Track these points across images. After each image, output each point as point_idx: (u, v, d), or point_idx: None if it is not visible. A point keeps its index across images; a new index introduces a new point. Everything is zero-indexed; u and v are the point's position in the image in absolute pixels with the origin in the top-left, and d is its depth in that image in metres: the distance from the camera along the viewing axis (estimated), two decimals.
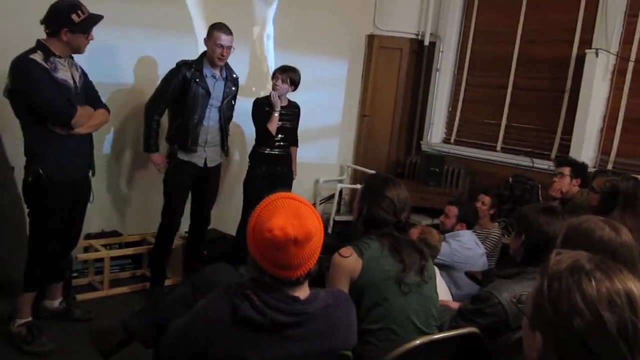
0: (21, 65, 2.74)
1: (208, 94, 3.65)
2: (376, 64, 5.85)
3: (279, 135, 4.13)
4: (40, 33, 2.88)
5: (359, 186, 5.13)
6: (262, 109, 4.06)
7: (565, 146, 4.86)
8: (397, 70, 5.91)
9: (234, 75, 3.84)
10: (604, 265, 0.89)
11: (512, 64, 5.30)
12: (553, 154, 4.97)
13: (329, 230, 5.14)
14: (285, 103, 4.14)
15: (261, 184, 4.06)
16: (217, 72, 3.70)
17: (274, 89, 4.03)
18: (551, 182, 4.04)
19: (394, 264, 2.03)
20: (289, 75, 4.01)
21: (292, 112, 4.20)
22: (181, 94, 3.59)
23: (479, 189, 4.63)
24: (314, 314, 1.55)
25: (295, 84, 4.06)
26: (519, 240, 2.21)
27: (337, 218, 5.39)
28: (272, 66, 4.80)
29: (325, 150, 5.74)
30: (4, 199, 3.24)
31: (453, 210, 3.81)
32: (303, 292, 1.57)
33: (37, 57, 2.78)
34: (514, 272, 2.19)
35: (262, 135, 4.10)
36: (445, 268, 3.40)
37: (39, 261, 2.95)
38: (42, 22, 2.85)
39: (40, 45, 2.84)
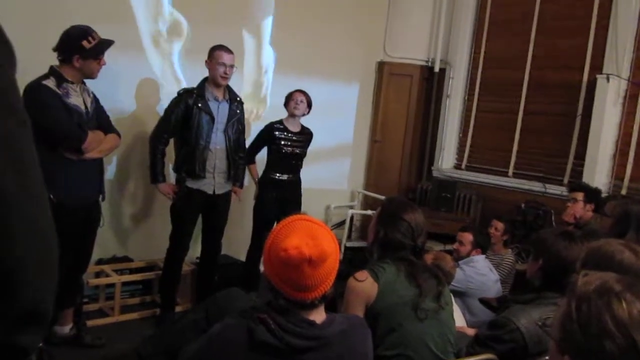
0: (33, 91, 2.77)
1: (212, 118, 3.64)
2: (387, 91, 5.88)
3: (290, 161, 4.14)
4: (55, 60, 2.93)
5: (370, 212, 5.16)
6: (271, 133, 4.07)
7: (577, 171, 4.83)
8: (407, 97, 5.93)
9: (238, 98, 3.84)
10: (634, 287, 0.87)
11: (523, 89, 5.30)
12: (566, 179, 4.93)
13: (340, 257, 5.10)
14: (298, 129, 4.16)
15: (271, 209, 4.05)
16: (219, 95, 3.70)
17: (294, 109, 4.05)
18: (564, 208, 4.00)
19: (410, 289, 2.00)
20: (306, 97, 4.06)
21: (304, 138, 4.22)
22: (185, 122, 3.59)
23: (491, 214, 4.59)
24: (330, 338, 1.52)
25: (310, 106, 4.10)
26: (536, 265, 2.18)
27: (349, 244, 5.36)
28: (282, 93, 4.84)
29: (336, 176, 5.74)
30: None
31: (468, 237, 3.76)
32: (319, 315, 1.55)
33: (50, 83, 2.83)
34: (532, 297, 2.15)
35: (271, 160, 4.11)
36: (459, 294, 3.35)
37: None
38: (54, 50, 2.90)
39: (53, 72, 2.89)
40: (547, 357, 2.00)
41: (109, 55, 3.07)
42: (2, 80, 0.60)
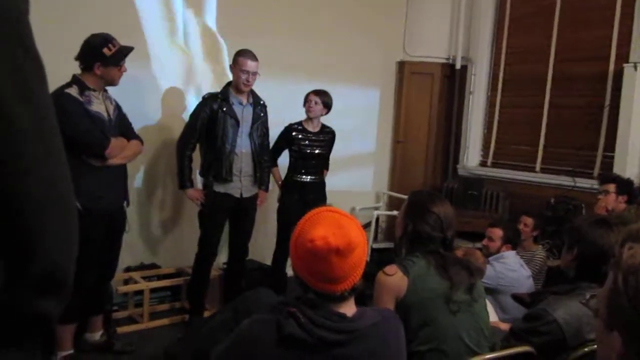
0: (56, 99, 2.78)
1: (237, 122, 3.65)
2: (408, 90, 5.83)
3: (312, 162, 4.11)
4: (77, 68, 2.97)
5: (395, 213, 5.09)
6: (290, 135, 4.06)
7: (608, 163, 4.71)
8: (429, 95, 5.88)
9: (261, 102, 3.84)
10: None
11: (547, 82, 5.21)
12: (596, 171, 4.82)
13: (367, 258, 5.05)
14: (318, 128, 4.13)
15: (295, 211, 4.02)
16: (243, 99, 3.71)
17: (308, 111, 4.03)
18: (596, 201, 3.91)
19: (441, 282, 1.95)
20: (322, 97, 4.01)
21: (326, 137, 4.18)
22: (210, 126, 3.61)
23: (520, 211, 4.50)
24: (362, 332, 1.48)
25: (328, 107, 4.06)
26: (570, 254, 2.11)
27: (375, 245, 5.31)
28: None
29: (360, 177, 5.71)
30: None
31: (497, 233, 3.68)
32: (350, 309, 1.51)
33: (72, 91, 2.87)
34: (568, 288, 2.09)
35: (292, 161, 4.09)
36: (490, 291, 3.27)
37: (76, 292, 2.94)
38: (76, 59, 2.94)
39: (75, 80, 2.93)
40: (586, 350, 1.94)
41: (132, 64, 3.09)
42: (19, 21, 0.59)
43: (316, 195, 4.14)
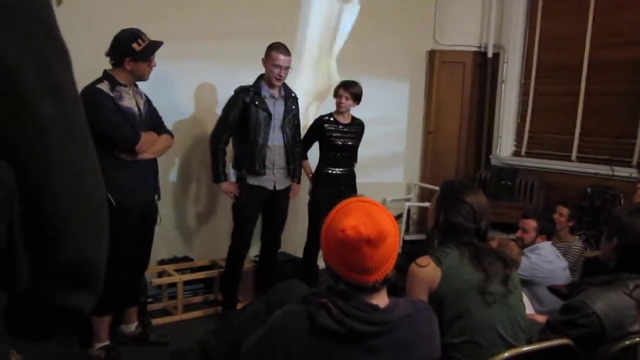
0: (88, 95, 2.83)
1: (269, 115, 3.65)
2: (439, 79, 5.75)
3: (343, 154, 4.09)
4: (108, 64, 3.00)
5: (427, 204, 5.03)
6: (321, 127, 4.05)
7: None
8: (460, 84, 5.79)
9: (293, 94, 3.83)
10: None
11: (583, 69, 5.07)
12: (635, 160, 4.68)
13: (399, 250, 5.02)
14: (348, 120, 4.11)
15: (326, 204, 3.99)
16: (275, 92, 3.71)
17: (339, 106, 4.01)
18: (634, 190, 3.79)
19: (476, 273, 1.91)
20: (351, 91, 3.97)
21: (356, 129, 4.15)
22: (243, 120, 3.62)
23: (555, 201, 4.41)
24: (395, 323, 1.47)
25: (358, 98, 4.02)
26: (610, 244, 2.05)
27: (407, 237, 5.27)
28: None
29: (391, 169, 5.66)
30: None
31: (531, 224, 3.60)
32: (382, 300, 1.50)
33: (104, 86, 2.90)
34: (608, 279, 2.03)
35: (323, 153, 4.08)
36: (525, 283, 3.21)
37: (111, 285, 3.00)
38: (107, 54, 2.97)
39: (106, 75, 2.96)
40: (627, 343, 1.88)
41: (163, 60, 3.11)
42: (41, 7, 0.58)
43: (347, 187, 4.11)
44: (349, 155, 4.14)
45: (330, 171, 4.10)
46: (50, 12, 0.59)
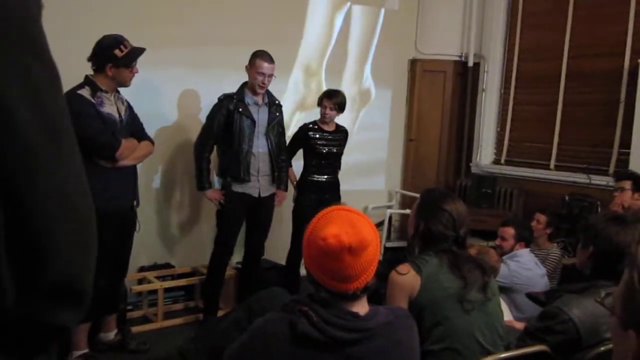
0: (68, 100, 2.80)
1: (253, 122, 3.66)
2: (420, 88, 5.81)
3: (327, 161, 4.11)
4: (90, 69, 2.99)
5: (408, 211, 5.08)
6: (306, 134, 4.06)
7: (623, 160, 4.66)
8: (441, 93, 5.85)
9: (277, 102, 3.85)
10: None
11: (561, 79, 5.16)
12: (611, 168, 4.77)
13: (380, 258, 5.04)
14: (333, 128, 4.13)
15: (310, 211, 3.99)
16: (259, 99, 3.72)
17: (323, 117, 4.03)
18: (611, 198, 3.86)
19: (454, 280, 1.94)
20: (335, 101, 3.99)
21: (340, 137, 4.18)
22: (227, 127, 3.62)
23: (534, 209, 4.46)
24: (375, 330, 1.48)
25: (342, 107, 4.05)
26: (586, 252, 2.09)
27: (388, 244, 5.30)
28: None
29: (372, 176, 5.69)
30: None
31: (509, 231, 3.66)
32: (362, 307, 1.51)
33: (85, 92, 2.89)
34: (583, 286, 2.06)
35: (307, 161, 4.09)
36: (504, 290, 3.25)
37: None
38: (88, 60, 2.96)
39: (87, 81, 2.95)
40: (602, 349, 1.92)
41: (147, 66, 3.11)
42: (30, 25, 0.58)
43: (331, 194, 4.13)
44: (333, 163, 4.16)
45: (314, 179, 4.11)
46: (38, 31, 0.59)
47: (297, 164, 4.24)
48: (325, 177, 4.13)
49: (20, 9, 0.58)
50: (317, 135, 4.06)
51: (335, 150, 4.13)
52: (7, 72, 0.55)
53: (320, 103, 4.05)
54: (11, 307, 0.57)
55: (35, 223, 0.57)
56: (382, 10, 5.45)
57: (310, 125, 4.10)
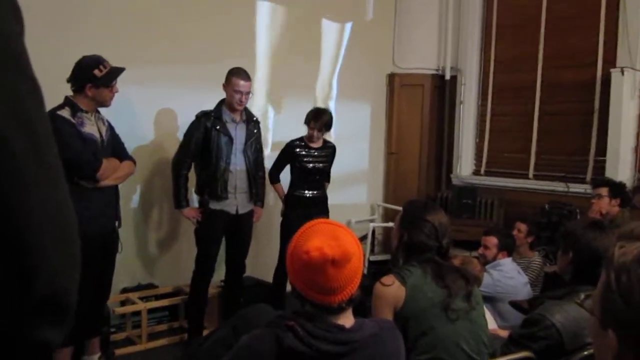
0: None
1: (230, 139, 3.66)
2: (399, 102, 5.88)
3: (313, 177, 4.13)
4: (68, 91, 2.98)
5: (391, 224, 5.10)
6: (292, 151, 4.08)
7: (600, 168, 4.75)
8: (420, 106, 5.92)
9: (255, 118, 3.86)
10: None
11: (537, 90, 5.26)
12: (588, 176, 4.85)
13: (364, 271, 5.04)
14: (319, 144, 4.15)
15: (298, 226, 3.99)
16: (236, 116, 3.72)
17: (310, 138, 4.06)
18: (589, 205, 3.93)
19: (438, 290, 1.96)
20: (323, 122, 4.02)
21: (327, 152, 4.21)
22: (205, 145, 3.62)
23: (515, 218, 4.51)
24: (361, 343, 1.48)
25: (328, 127, 4.08)
26: (566, 258, 2.13)
27: (372, 258, 5.32)
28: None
29: (354, 190, 5.72)
30: None
31: (492, 240, 3.69)
32: (347, 320, 1.51)
33: (65, 112, 2.88)
34: (564, 292, 2.09)
35: (294, 177, 4.11)
36: (488, 299, 3.27)
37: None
38: (68, 80, 2.95)
39: (67, 102, 2.94)
40: (585, 353, 1.94)
41: (123, 84, 3.11)
42: (12, 43, 0.59)
43: (319, 209, 4.14)
44: (320, 179, 4.19)
45: (301, 194, 4.13)
46: (21, 50, 0.60)
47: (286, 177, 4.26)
48: (312, 192, 4.15)
49: (5, 26, 0.58)
50: (304, 152, 4.08)
51: (321, 166, 4.15)
52: None
53: (307, 123, 4.07)
54: None
55: (24, 236, 0.57)
56: (358, 25, 5.51)
57: (297, 142, 4.12)
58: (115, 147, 3.16)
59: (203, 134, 3.61)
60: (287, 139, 4.18)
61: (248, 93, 3.66)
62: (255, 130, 3.82)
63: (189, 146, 3.65)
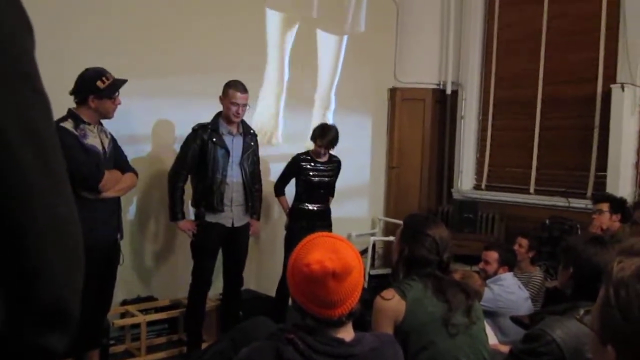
0: None
1: (227, 152, 3.67)
2: (400, 116, 5.90)
3: (318, 191, 4.15)
4: (72, 103, 3.00)
5: (392, 238, 5.10)
6: (299, 165, 4.11)
7: (600, 183, 4.76)
8: (421, 121, 5.94)
9: (252, 131, 3.88)
10: None
11: (537, 105, 5.28)
12: (589, 191, 4.86)
13: (365, 285, 5.02)
14: (325, 158, 4.19)
15: (302, 239, 3.99)
16: (233, 129, 3.73)
17: (317, 155, 4.10)
18: (590, 221, 3.93)
19: (439, 304, 1.95)
20: (329, 139, 4.06)
21: (333, 167, 4.24)
22: (201, 157, 3.63)
23: (516, 232, 4.51)
24: (361, 356, 1.48)
25: (333, 144, 4.12)
26: (567, 273, 2.12)
27: (373, 272, 5.30)
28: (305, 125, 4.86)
29: (355, 204, 5.71)
30: None
31: (493, 255, 3.69)
32: (348, 333, 1.51)
33: (68, 124, 2.90)
34: (565, 307, 2.08)
35: (299, 190, 4.13)
36: (489, 314, 3.26)
37: None
38: (71, 93, 2.98)
39: (70, 114, 2.96)
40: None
41: (121, 96, 3.12)
42: (16, 46, 0.60)
43: (323, 222, 4.15)
44: (325, 192, 4.22)
45: (305, 207, 4.15)
46: (33, 65, 0.61)
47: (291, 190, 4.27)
48: (317, 205, 4.17)
49: (19, 43, 0.60)
50: (310, 166, 4.12)
51: (326, 180, 4.19)
52: (4, 103, 0.56)
53: (314, 141, 4.12)
54: (1, 329, 0.58)
55: (29, 243, 0.58)
56: (358, 39, 5.55)
57: (303, 156, 4.15)
58: (117, 159, 3.18)
59: (200, 146, 3.62)
60: (288, 152, 4.20)
61: (245, 105, 3.68)
62: (252, 143, 3.84)
63: (185, 158, 3.65)
